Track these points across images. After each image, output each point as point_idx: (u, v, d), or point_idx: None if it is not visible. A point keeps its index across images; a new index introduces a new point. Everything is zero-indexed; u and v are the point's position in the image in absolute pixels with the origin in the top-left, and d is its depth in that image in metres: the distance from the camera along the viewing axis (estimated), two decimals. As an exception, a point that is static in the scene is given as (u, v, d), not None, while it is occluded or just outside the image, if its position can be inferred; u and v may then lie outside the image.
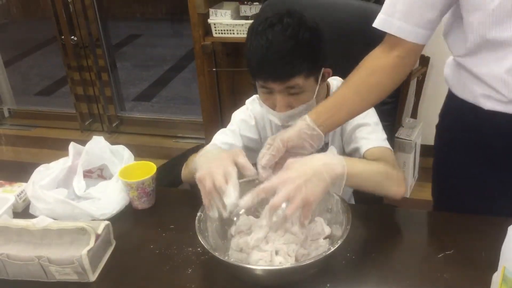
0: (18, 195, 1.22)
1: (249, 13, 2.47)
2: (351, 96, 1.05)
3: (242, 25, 2.48)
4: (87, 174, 1.28)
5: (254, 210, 1.09)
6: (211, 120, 2.82)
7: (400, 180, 1.07)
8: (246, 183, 1.08)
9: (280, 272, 0.90)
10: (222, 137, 1.26)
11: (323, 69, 1.16)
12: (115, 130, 3.41)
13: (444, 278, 0.94)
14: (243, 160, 0.98)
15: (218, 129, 1.30)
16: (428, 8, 1.00)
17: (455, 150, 1.18)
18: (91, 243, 0.99)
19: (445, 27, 1.10)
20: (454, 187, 1.21)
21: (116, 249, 1.08)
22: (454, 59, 1.11)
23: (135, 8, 5.90)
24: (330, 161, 0.94)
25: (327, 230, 0.99)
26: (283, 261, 0.95)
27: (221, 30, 2.54)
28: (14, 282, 1.01)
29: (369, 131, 1.18)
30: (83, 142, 1.29)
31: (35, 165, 1.24)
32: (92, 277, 1.00)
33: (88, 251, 0.97)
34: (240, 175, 0.98)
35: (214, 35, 2.57)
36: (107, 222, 1.06)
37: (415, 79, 2.58)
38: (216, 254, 0.90)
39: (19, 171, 1.33)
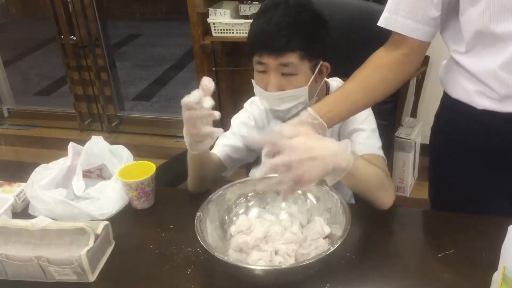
0: (17, 195, 1.22)
1: (248, 13, 2.47)
2: (356, 90, 1.06)
3: (242, 24, 2.47)
4: (86, 174, 1.28)
5: (253, 210, 1.10)
6: (210, 119, 2.82)
7: (391, 191, 1.10)
8: (244, 184, 1.08)
9: (280, 272, 0.90)
10: (223, 141, 1.27)
11: (321, 62, 1.16)
12: (115, 130, 3.41)
13: (444, 278, 0.94)
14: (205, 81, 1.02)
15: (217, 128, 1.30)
16: (431, 5, 1.00)
17: (451, 150, 1.18)
18: (91, 243, 0.99)
19: (442, 22, 1.10)
20: (450, 187, 1.21)
21: (115, 249, 1.08)
22: (449, 59, 1.11)
23: (134, 8, 5.89)
24: (341, 153, 0.93)
25: (327, 230, 0.99)
26: (282, 261, 0.95)
27: (221, 30, 2.54)
28: (13, 283, 1.01)
29: (365, 137, 1.18)
30: (82, 142, 1.29)
31: (34, 165, 1.24)
32: (92, 277, 1.00)
33: (88, 251, 0.97)
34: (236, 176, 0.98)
35: (214, 34, 2.57)
36: (106, 222, 1.06)
37: (415, 78, 2.58)
38: (216, 254, 0.90)
39: (18, 171, 1.33)
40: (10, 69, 3.98)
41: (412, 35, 1.03)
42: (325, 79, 1.24)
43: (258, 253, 0.95)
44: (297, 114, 1.14)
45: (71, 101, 3.37)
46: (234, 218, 1.07)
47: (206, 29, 2.59)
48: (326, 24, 1.15)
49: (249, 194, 1.10)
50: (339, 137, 1.25)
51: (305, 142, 0.90)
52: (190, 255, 1.04)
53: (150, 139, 3.29)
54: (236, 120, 1.30)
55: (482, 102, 1.05)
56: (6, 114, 3.72)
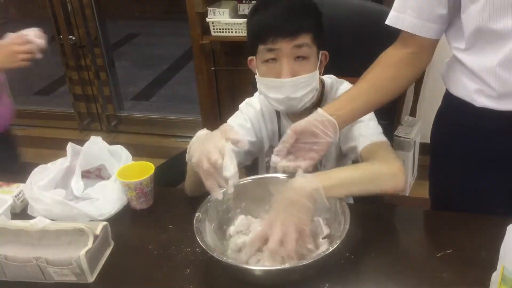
0: (16, 196, 1.21)
1: (247, 12, 2.47)
2: (367, 89, 1.06)
3: (241, 24, 2.47)
4: (85, 174, 1.28)
5: (252, 210, 1.10)
6: (210, 119, 2.82)
7: (395, 174, 1.04)
8: (243, 184, 1.08)
9: (279, 272, 0.90)
10: None
11: (321, 51, 1.17)
12: (114, 130, 3.41)
13: (443, 278, 0.94)
14: (232, 134, 0.99)
15: (217, 128, 1.29)
16: (438, 2, 1.01)
17: (451, 148, 1.18)
18: (89, 244, 0.99)
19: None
20: (450, 186, 1.21)
21: (114, 250, 1.08)
22: (452, 56, 1.12)
23: (133, 7, 5.89)
24: (299, 184, 0.96)
25: (326, 230, 0.99)
26: (281, 261, 0.95)
27: (220, 29, 2.53)
28: (12, 284, 1.01)
29: (365, 128, 1.17)
30: (81, 142, 1.28)
31: (33, 165, 1.24)
32: (91, 278, 0.99)
33: (86, 252, 0.97)
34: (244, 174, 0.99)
35: (213, 34, 2.56)
36: (105, 222, 1.06)
37: (414, 77, 2.58)
38: (215, 254, 0.90)
39: (17, 172, 1.33)
40: (8, 69, 3.97)
41: (420, 33, 1.03)
42: (320, 76, 1.24)
43: (257, 253, 0.95)
44: (309, 103, 1.15)
45: (70, 101, 3.37)
46: (233, 219, 1.07)
47: (205, 29, 2.59)
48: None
49: (248, 194, 1.10)
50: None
51: (275, 210, 0.96)
52: (189, 256, 1.04)
53: (149, 138, 3.28)
54: (232, 122, 1.29)
55: (480, 100, 1.05)
56: (5, 114, 3.71)
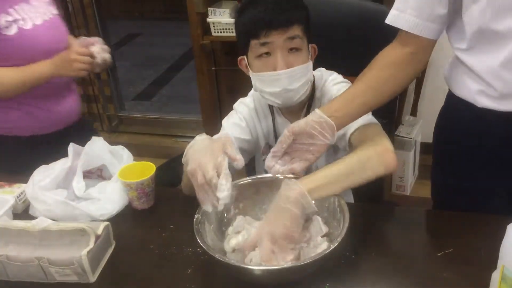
0: (17, 196, 1.22)
1: (248, 12, 2.47)
2: (364, 89, 1.06)
3: (241, 23, 2.47)
4: (87, 174, 1.29)
5: (250, 210, 1.10)
6: (210, 119, 2.82)
7: (381, 155, 1.03)
8: (242, 184, 1.09)
9: (279, 271, 0.90)
10: None
11: (310, 45, 1.17)
12: (115, 130, 3.41)
13: (444, 277, 0.94)
14: (232, 151, 0.99)
15: (218, 128, 1.30)
16: (438, 2, 1.01)
17: (453, 148, 1.18)
18: (91, 244, 0.99)
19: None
20: (452, 186, 1.21)
21: (116, 250, 1.08)
22: (454, 57, 1.12)
23: (134, 7, 5.89)
24: (283, 192, 0.96)
25: (325, 229, 0.99)
26: (281, 261, 0.95)
27: (220, 29, 2.54)
28: (14, 283, 1.01)
29: None
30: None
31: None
32: (92, 278, 1.00)
33: (88, 251, 0.97)
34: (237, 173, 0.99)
35: (213, 34, 2.57)
36: (106, 222, 1.06)
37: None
38: (216, 255, 0.90)
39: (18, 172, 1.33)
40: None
41: (419, 33, 1.03)
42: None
43: (255, 253, 0.96)
44: (304, 96, 1.15)
45: (71, 101, 3.37)
46: (232, 219, 1.07)
47: (206, 29, 2.59)
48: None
49: (247, 195, 1.10)
50: None
51: (263, 221, 0.98)
52: (190, 255, 1.04)
53: (150, 138, 3.29)
54: (228, 122, 1.29)
55: (482, 100, 1.05)
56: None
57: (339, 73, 1.28)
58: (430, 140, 1.28)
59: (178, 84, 4.35)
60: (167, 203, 1.24)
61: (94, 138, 1.29)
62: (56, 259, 0.97)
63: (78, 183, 1.22)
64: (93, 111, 3.39)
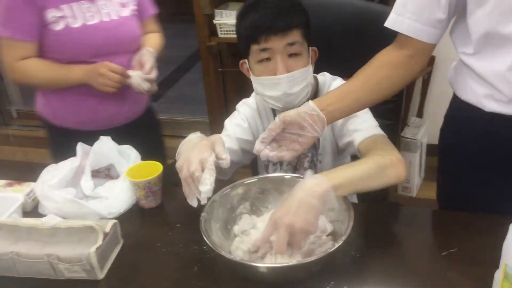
0: (27, 195, 1.24)
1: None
2: (358, 87, 1.06)
3: (248, 25, 2.48)
4: (95, 174, 1.30)
5: (256, 209, 1.11)
6: (217, 119, 2.83)
7: (395, 165, 1.05)
8: (247, 183, 1.10)
9: (285, 269, 0.91)
10: None
11: (310, 47, 1.18)
12: (122, 130, 3.43)
13: (448, 276, 0.95)
14: (219, 149, 1.01)
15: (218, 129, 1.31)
16: (438, 7, 1.01)
17: (459, 152, 1.18)
18: (99, 241, 1.01)
19: (451, 24, 1.11)
20: (458, 189, 1.21)
21: (123, 247, 1.10)
22: (459, 61, 1.12)
23: (141, 9, 5.90)
24: (309, 185, 0.95)
25: (329, 227, 1.00)
26: (287, 259, 0.96)
27: (227, 31, 2.55)
28: (24, 280, 1.03)
29: (360, 122, 1.18)
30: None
31: (43, 165, 1.26)
32: (101, 275, 1.01)
33: (97, 249, 0.99)
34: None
35: (220, 35, 2.58)
36: (114, 220, 1.08)
37: (421, 78, 2.58)
38: (223, 253, 0.91)
39: (28, 171, 1.35)
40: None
41: (418, 36, 1.04)
42: (314, 74, 1.25)
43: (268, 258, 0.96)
44: (304, 99, 1.16)
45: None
46: (237, 218, 1.09)
47: (212, 30, 2.61)
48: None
49: (252, 194, 1.11)
50: (333, 129, 1.24)
51: (281, 209, 0.94)
52: (196, 253, 1.05)
53: (157, 139, 3.30)
54: (230, 122, 1.30)
55: (490, 105, 1.05)
56: (15, 115, 3.75)
57: (339, 75, 1.28)
58: (436, 142, 1.28)
59: (185, 85, 4.36)
60: (174, 202, 1.25)
61: (102, 137, 1.30)
62: (65, 256, 0.99)
63: (87, 182, 1.23)
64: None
